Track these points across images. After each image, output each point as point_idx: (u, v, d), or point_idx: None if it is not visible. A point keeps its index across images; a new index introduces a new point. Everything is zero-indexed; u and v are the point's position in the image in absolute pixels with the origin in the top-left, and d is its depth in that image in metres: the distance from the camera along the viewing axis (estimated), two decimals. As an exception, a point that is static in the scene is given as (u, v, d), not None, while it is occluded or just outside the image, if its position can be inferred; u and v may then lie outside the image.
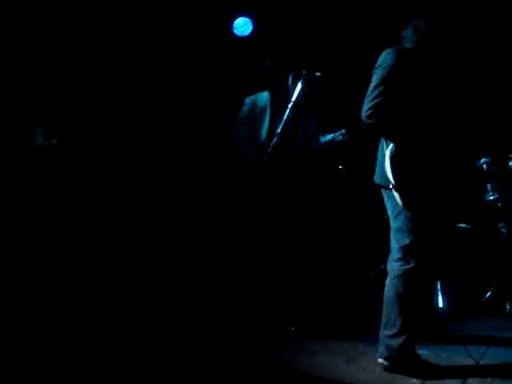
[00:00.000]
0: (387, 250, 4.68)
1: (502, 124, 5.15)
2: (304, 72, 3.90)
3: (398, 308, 3.17)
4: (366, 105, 3.06)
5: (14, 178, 4.71)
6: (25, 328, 3.87)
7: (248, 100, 4.63)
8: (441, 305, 4.56)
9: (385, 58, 3.12)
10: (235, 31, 5.26)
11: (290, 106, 3.85)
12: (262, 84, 4.61)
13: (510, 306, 4.54)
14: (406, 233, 3.20)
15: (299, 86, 3.87)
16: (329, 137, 4.62)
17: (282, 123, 3.84)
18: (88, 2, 5.04)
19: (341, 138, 4.54)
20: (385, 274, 4.62)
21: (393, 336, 3.18)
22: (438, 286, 4.58)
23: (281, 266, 4.28)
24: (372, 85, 3.08)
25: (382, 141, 3.21)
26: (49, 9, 4.96)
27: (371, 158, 3.59)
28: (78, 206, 4.85)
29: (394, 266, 3.25)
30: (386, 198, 3.32)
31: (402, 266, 3.20)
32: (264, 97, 4.59)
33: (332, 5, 5.32)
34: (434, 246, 3.31)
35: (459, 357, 3.45)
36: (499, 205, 4.74)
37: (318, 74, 3.93)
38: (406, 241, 3.19)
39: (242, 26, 5.24)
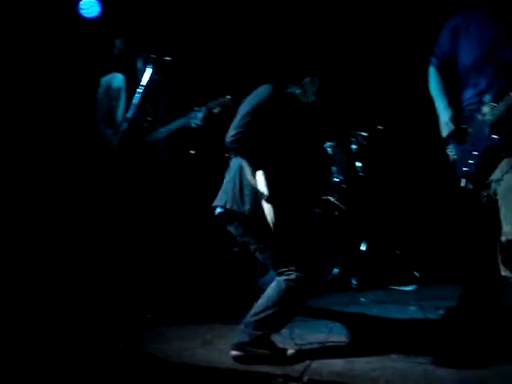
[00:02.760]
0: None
1: (345, 109, 5.45)
2: (154, 56, 3.83)
3: (273, 307, 3.18)
4: (232, 130, 3.24)
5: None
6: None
7: (103, 81, 4.50)
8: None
9: (260, 92, 3.32)
10: (82, 12, 5.07)
11: (139, 90, 3.77)
12: (115, 66, 4.49)
13: (355, 281, 4.85)
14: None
15: (149, 70, 3.81)
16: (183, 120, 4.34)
17: (133, 108, 3.76)
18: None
19: (196, 122, 4.34)
20: (239, 256, 4.75)
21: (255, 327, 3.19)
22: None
23: (135, 254, 4.22)
24: (240, 114, 3.27)
25: (239, 164, 3.29)
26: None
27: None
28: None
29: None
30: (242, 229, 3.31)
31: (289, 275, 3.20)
32: (118, 78, 4.45)
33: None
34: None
35: (311, 332, 3.64)
36: (343, 186, 5.04)
37: (167, 58, 3.88)
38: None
39: (89, 7, 5.07)
